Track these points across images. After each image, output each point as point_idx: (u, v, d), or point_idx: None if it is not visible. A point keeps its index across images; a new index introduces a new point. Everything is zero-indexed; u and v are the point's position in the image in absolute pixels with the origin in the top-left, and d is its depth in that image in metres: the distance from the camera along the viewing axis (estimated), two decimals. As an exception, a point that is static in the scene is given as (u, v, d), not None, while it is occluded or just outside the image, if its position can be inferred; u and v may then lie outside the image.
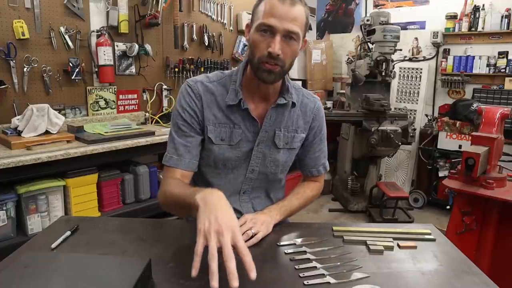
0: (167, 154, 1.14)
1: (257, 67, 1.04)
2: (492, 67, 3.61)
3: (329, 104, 4.25)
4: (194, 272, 0.74)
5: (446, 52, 3.90)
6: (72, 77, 2.49)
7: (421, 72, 4.06)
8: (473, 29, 3.67)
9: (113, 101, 2.82)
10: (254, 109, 1.14)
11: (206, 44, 3.36)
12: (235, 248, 0.75)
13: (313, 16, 4.86)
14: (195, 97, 1.12)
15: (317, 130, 1.25)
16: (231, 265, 0.72)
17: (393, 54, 3.45)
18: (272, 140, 1.16)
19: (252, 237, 1.00)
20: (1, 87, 2.18)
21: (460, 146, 3.53)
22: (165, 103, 3.15)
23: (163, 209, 1.15)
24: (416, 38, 4.11)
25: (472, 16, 3.66)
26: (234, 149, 1.14)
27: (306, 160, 1.28)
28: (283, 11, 0.98)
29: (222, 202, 0.86)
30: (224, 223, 0.77)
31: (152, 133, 2.45)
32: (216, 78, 1.16)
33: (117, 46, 2.76)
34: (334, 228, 1.11)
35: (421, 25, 4.10)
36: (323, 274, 0.87)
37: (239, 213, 1.19)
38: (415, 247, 1.02)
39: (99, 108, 2.74)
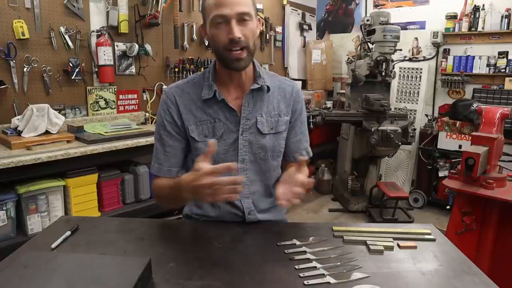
0: (152, 162, 1.22)
1: (224, 58, 1.10)
2: (492, 67, 3.60)
3: (329, 104, 4.26)
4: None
5: (446, 52, 3.90)
6: (72, 77, 2.49)
7: (421, 72, 4.06)
8: (473, 29, 3.67)
9: (113, 101, 2.81)
10: (231, 100, 1.17)
11: (206, 44, 3.35)
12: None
13: (313, 16, 4.86)
14: (170, 103, 1.18)
15: (298, 112, 1.28)
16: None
17: (393, 54, 3.45)
18: (255, 126, 1.19)
19: None
20: (1, 87, 2.18)
21: (460, 146, 3.53)
22: (165, 103, 3.15)
23: (158, 203, 1.25)
24: (416, 38, 4.10)
25: (472, 16, 3.66)
26: (219, 142, 1.17)
27: (288, 145, 1.29)
28: None
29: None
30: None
31: (152, 133, 2.43)
32: (190, 79, 1.23)
33: (117, 46, 2.76)
34: (334, 228, 1.11)
35: (421, 25, 4.09)
36: (323, 274, 0.87)
37: (239, 210, 1.20)
38: (415, 247, 1.02)
39: (99, 108, 2.74)
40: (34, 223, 1.99)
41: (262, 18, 1.16)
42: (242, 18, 1.05)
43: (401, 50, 3.68)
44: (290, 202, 0.99)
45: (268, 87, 1.19)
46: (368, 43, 3.70)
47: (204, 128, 1.17)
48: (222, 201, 1.12)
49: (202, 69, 3.24)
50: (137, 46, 2.80)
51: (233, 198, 0.95)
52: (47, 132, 2.19)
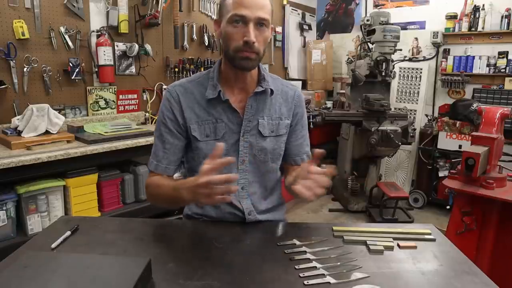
0: (150, 159, 1.21)
1: (233, 57, 1.09)
2: (492, 67, 3.61)
3: (329, 104, 4.26)
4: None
5: (446, 52, 3.91)
6: (72, 77, 2.49)
7: (421, 72, 4.06)
8: (473, 29, 3.67)
9: (113, 101, 2.81)
10: (234, 101, 1.17)
11: (206, 44, 3.36)
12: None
13: (313, 16, 4.86)
14: (173, 101, 1.18)
15: (299, 116, 1.29)
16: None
17: (393, 54, 3.45)
18: (257, 129, 1.19)
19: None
20: (1, 87, 2.18)
21: (460, 146, 3.53)
22: (165, 103, 3.15)
23: (149, 201, 1.23)
24: (416, 38, 4.11)
25: (472, 16, 3.66)
26: (220, 143, 1.16)
27: (290, 148, 1.29)
28: (252, 1, 1.04)
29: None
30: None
31: (152, 133, 2.44)
32: (194, 78, 1.23)
33: (117, 46, 2.75)
34: (334, 228, 1.11)
35: (421, 25, 4.10)
36: (323, 274, 0.87)
37: (239, 211, 1.20)
38: (415, 247, 1.02)
39: (99, 108, 2.74)
40: (34, 223, 1.99)
41: (274, 27, 1.17)
42: (260, 23, 1.06)
43: (401, 50, 3.68)
44: (315, 194, 0.95)
45: (271, 90, 1.20)
46: (368, 43, 3.70)
47: (206, 128, 1.17)
48: (218, 203, 1.05)
49: (202, 69, 3.27)
50: (137, 46, 2.80)
51: (227, 199, 0.92)
52: (47, 132, 2.19)
